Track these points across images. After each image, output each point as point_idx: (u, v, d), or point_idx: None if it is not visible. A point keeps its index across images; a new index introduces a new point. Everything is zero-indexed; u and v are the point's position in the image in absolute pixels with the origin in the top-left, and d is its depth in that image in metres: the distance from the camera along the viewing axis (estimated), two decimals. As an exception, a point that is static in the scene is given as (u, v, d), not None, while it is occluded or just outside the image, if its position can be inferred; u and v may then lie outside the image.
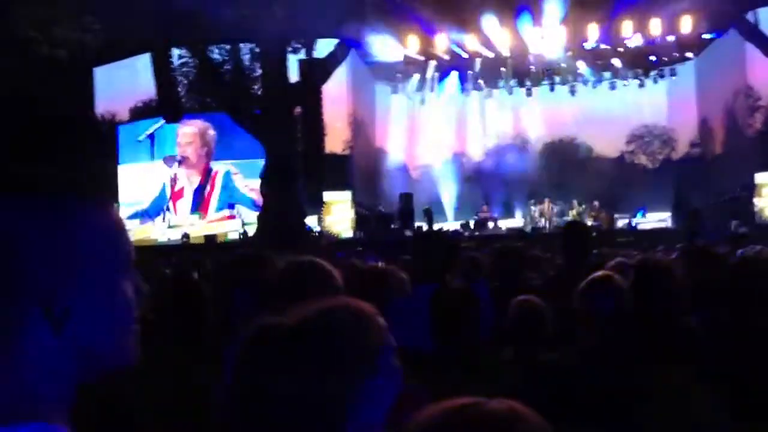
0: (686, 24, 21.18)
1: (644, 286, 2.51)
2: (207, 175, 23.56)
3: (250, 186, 22.84)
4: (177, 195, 23.48)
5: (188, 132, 23.35)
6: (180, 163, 23.28)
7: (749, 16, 20.86)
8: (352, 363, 1.14)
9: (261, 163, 21.09)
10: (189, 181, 23.53)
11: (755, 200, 20.65)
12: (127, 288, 0.95)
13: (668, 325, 2.58)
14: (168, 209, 23.39)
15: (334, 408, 1.11)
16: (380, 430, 1.06)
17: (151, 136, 23.54)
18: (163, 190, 23.40)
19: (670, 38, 21.94)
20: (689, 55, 23.74)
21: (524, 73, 24.63)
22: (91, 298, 0.90)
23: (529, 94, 25.19)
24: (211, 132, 23.36)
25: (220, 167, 23.48)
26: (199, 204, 23.42)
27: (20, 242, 0.85)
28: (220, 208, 23.41)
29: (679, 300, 2.61)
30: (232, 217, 23.22)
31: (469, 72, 24.82)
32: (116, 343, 0.93)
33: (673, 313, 2.53)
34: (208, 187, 23.51)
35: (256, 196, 22.18)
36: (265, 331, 1.17)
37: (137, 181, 23.71)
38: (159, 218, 23.46)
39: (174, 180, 23.39)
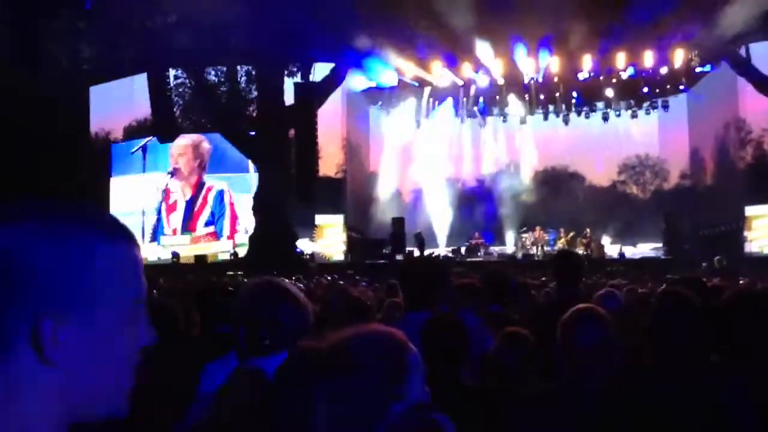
0: (679, 57, 21.45)
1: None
2: (199, 188, 23.55)
3: (238, 204, 22.92)
4: (171, 208, 23.50)
5: (181, 144, 23.38)
6: (172, 175, 23.29)
7: (741, 50, 21.13)
8: (382, 388, 1.19)
9: (250, 177, 21.23)
10: (182, 193, 23.54)
11: (745, 232, 20.79)
12: (134, 334, 0.90)
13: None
14: (161, 222, 23.40)
15: (363, 429, 1.16)
16: None
17: (144, 149, 23.56)
18: (159, 206, 23.43)
19: (663, 70, 22.18)
20: (681, 87, 24.00)
21: (519, 101, 24.83)
22: (88, 334, 0.85)
23: (523, 122, 25.36)
24: (206, 145, 23.40)
25: (215, 183, 23.47)
26: (190, 218, 23.39)
27: (15, 260, 0.82)
28: (207, 224, 23.39)
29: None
30: (214, 234, 23.17)
31: (464, 99, 25.01)
32: (109, 389, 0.88)
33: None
34: (200, 200, 23.49)
35: (240, 217, 22.37)
36: (301, 355, 1.24)
37: (129, 193, 23.73)
38: (148, 238, 23.40)
39: (167, 193, 23.38)
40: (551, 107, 25.15)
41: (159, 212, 23.40)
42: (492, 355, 2.85)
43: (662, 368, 2.44)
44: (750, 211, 20.89)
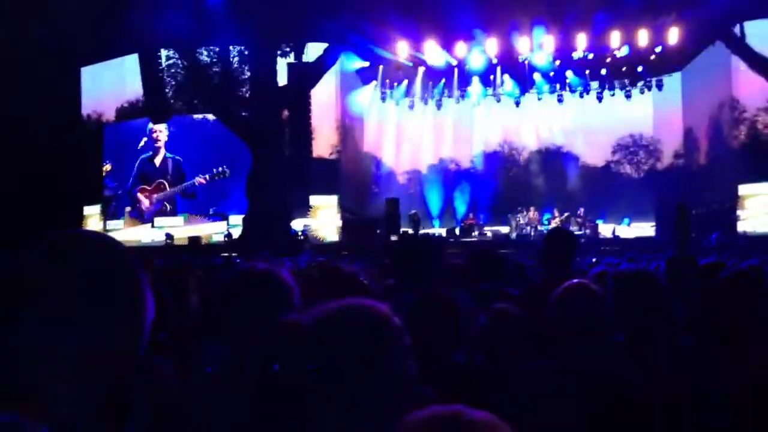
0: (673, 36, 21.35)
1: (625, 298, 2.52)
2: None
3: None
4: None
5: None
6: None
7: (735, 29, 21.07)
8: (362, 359, 1.19)
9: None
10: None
11: (738, 212, 20.84)
12: None
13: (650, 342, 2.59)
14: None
15: (345, 403, 1.16)
16: (391, 427, 1.09)
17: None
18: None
19: (658, 50, 22.11)
20: (676, 66, 23.94)
21: (513, 81, 24.75)
22: None
23: (517, 102, 25.28)
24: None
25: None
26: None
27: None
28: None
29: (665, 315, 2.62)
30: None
31: (458, 79, 24.90)
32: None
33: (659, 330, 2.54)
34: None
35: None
36: (283, 328, 1.24)
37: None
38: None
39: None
40: (545, 87, 25.06)
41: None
42: (480, 332, 2.85)
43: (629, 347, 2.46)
44: (743, 190, 20.93)
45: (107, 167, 24.19)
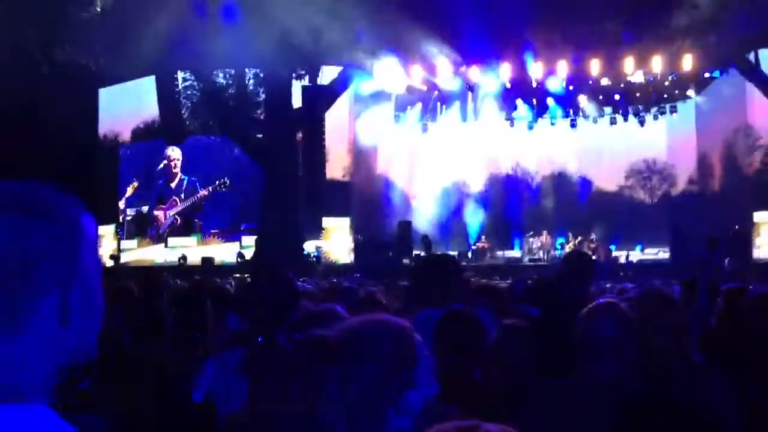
0: (687, 62, 21.37)
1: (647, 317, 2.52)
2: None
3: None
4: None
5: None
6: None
7: (750, 56, 21.08)
8: (393, 373, 1.21)
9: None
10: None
11: (754, 239, 20.70)
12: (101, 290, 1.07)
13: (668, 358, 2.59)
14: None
15: (369, 415, 1.17)
16: None
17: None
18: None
19: (672, 76, 22.13)
20: (690, 92, 23.93)
21: (526, 105, 24.80)
22: (86, 296, 1.02)
23: (530, 127, 25.31)
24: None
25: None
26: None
27: (31, 241, 0.97)
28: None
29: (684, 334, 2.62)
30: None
31: (471, 103, 24.99)
32: (92, 339, 1.05)
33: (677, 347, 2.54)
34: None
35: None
36: (312, 342, 1.26)
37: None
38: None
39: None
40: (559, 111, 25.10)
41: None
42: (492, 347, 2.85)
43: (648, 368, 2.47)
44: (758, 217, 20.81)
45: (135, 185, 24.43)
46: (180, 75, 22.49)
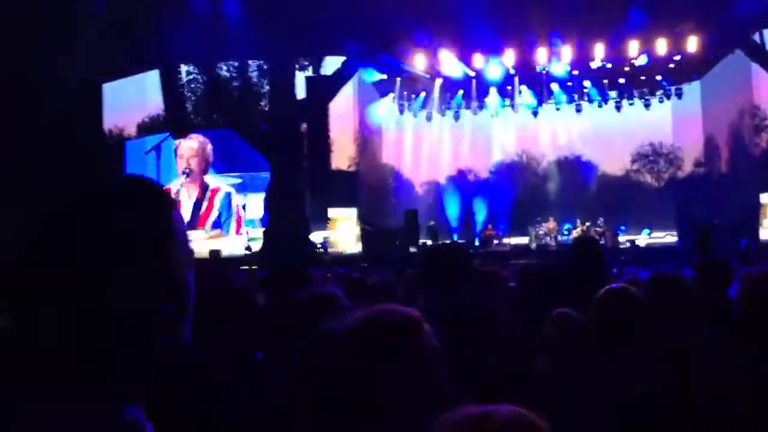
0: (692, 44, 21.23)
1: (658, 298, 2.53)
2: (204, 190, 23.56)
3: (242, 205, 22.99)
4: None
5: (193, 146, 23.39)
6: (187, 175, 23.34)
7: (755, 36, 20.93)
8: (396, 365, 1.20)
9: (263, 176, 21.19)
10: (188, 195, 23.55)
11: (761, 220, 20.62)
12: None
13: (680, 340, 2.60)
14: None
15: (378, 405, 1.17)
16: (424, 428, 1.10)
17: (158, 150, 23.61)
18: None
19: (677, 58, 22.01)
20: (695, 74, 23.79)
21: (531, 91, 24.72)
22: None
23: (535, 113, 25.24)
24: (209, 147, 23.39)
25: (221, 185, 23.45)
26: (196, 219, 23.41)
27: None
28: (214, 227, 23.38)
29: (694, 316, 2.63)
30: (220, 236, 23.23)
31: (475, 90, 24.92)
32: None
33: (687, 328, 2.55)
34: (206, 203, 23.48)
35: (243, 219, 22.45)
36: (322, 334, 1.26)
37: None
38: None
39: (175, 194, 23.42)
40: (563, 97, 25.00)
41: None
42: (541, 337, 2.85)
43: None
44: (765, 198, 20.72)
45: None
46: (183, 68, 22.48)
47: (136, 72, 23.54)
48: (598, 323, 2.34)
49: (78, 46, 18.37)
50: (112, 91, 24.46)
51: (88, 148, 21.04)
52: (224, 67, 21.94)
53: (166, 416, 1.16)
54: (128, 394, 1.01)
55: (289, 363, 1.34)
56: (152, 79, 23.02)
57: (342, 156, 24.34)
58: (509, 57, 22.33)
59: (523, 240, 23.73)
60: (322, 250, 21.19)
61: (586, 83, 24.19)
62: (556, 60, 22.44)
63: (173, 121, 22.79)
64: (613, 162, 27.27)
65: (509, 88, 24.75)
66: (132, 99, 24.76)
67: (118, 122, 25.36)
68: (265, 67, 21.70)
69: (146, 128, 25.16)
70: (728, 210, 21.68)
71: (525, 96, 24.87)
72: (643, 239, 22.81)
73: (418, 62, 22.75)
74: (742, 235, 18.90)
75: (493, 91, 24.80)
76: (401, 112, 26.40)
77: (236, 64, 21.80)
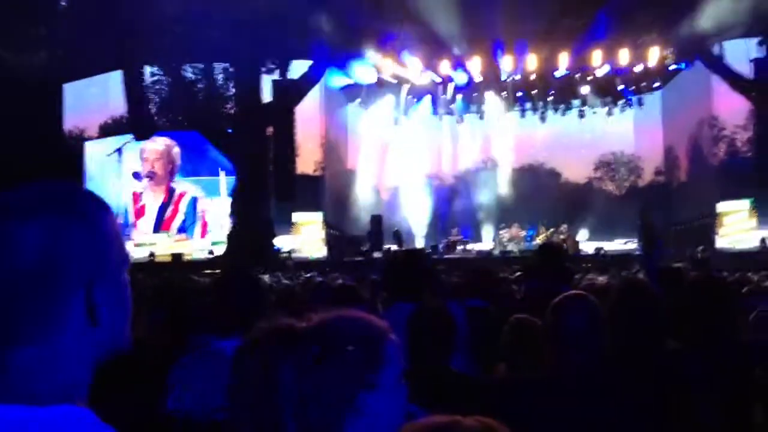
0: (654, 55, 21.66)
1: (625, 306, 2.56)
2: (170, 193, 23.26)
3: (207, 210, 22.78)
4: (139, 212, 23.11)
5: (158, 149, 23.09)
6: (150, 179, 22.99)
7: (715, 48, 21.40)
8: (354, 373, 1.16)
9: (221, 180, 21.07)
10: (154, 198, 23.20)
11: (716, 228, 21.07)
12: (127, 282, 1.09)
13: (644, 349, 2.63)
14: (129, 227, 22.86)
15: (330, 415, 1.13)
16: None
17: (119, 152, 23.24)
18: (126, 210, 22.92)
19: (638, 68, 22.40)
20: (656, 85, 24.24)
21: (496, 98, 24.94)
22: (113, 291, 1.04)
23: (500, 119, 25.45)
24: (176, 150, 23.11)
25: (188, 188, 23.17)
26: (161, 223, 23.09)
27: (57, 243, 0.98)
28: (180, 231, 23.10)
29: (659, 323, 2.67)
30: (185, 240, 22.97)
31: (442, 96, 25.06)
32: (124, 333, 1.07)
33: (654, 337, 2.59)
34: (172, 206, 23.19)
35: (209, 224, 22.27)
36: (275, 331, 1.21)
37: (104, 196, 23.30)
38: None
39: (136, 197, 23.04)
40: (528, 105, 25.28)
41: (126, 217, 22.79)
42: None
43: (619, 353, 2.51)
44: (721, 207, 21.18)
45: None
46: (147, 69, 22.16)
47: (98, 72, 23.16)
48: (553, 330, 2.36)
49: (39, 44, 18.06)
50: (74, 91, 24.04)
51: (47, 149, 20.67)
52: (189, 69, 21.68)
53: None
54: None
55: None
56: (115, 79, 22.67)
57: (308, 160, 24.22)
58: (475, 64, 22.52)
59: (488, 245, 23.87)
60: (286, 254, 21.07)
61: (551, 92, 24.49)
62: (522, 69, 22.70)
63: (136, 122, 22.46)
64: (577, 170, 27.62)
65: (475, 95, 24.95)
66: (94, 100, 24.32)
67: (79, 123, 24.85)
68: (230, 69, 21.53)
69: (109, 130, 24.70)
70: (685, 218, 22.13)
71: (490, 103, 25.09)
72: (604, 245, 23.06)
73: (385, 68, 22.79)
74: (696, 243, 19.30)
75: (458, 97, 24.97)
76: (367, 116, 26.42)
77: (201, 66, 21.57)
